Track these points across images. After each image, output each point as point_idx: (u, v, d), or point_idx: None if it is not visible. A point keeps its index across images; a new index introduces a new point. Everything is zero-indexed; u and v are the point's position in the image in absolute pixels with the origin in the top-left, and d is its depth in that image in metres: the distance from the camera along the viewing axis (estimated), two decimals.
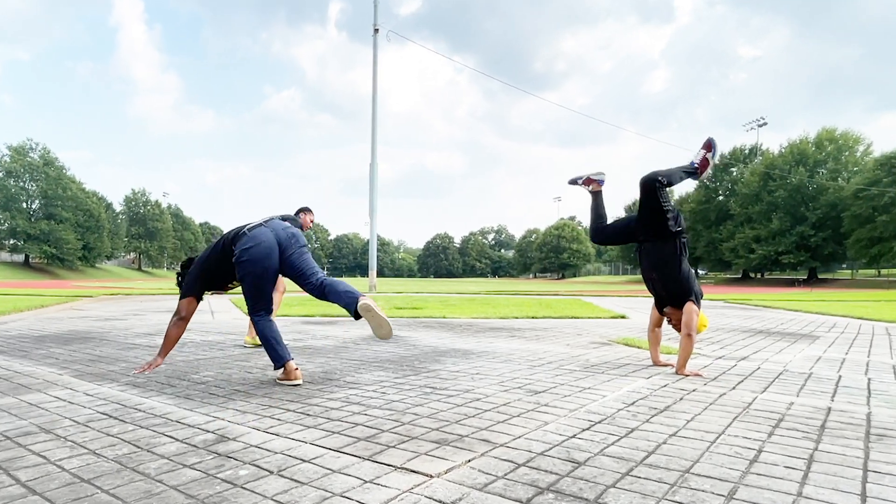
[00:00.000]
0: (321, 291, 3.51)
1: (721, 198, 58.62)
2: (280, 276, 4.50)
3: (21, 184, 60.34)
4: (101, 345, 5.30)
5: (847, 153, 49.26)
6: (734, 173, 57.86)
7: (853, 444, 2.33)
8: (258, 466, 2.02)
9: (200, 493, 1.79)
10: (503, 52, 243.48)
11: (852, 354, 5.09)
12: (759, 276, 58.43)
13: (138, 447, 2.23)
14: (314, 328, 7.00)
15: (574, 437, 2.38)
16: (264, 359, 4.49)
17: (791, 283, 45.45)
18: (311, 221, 5.56)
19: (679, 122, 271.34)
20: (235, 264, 3.52)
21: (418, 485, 1.87)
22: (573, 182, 4.47)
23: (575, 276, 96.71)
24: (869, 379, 3.85)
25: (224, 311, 9.72)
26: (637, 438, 2.36)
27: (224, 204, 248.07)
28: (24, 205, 60.83)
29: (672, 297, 3.94)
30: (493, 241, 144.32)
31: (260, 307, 3.60)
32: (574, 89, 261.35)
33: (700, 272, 71.99)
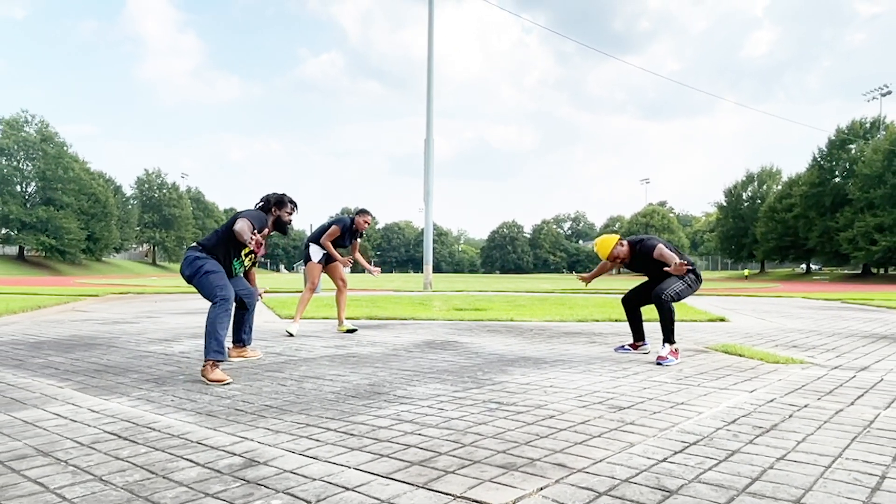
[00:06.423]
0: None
1: (838, 180, 56.89)
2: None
3: (15, 163, 59.51)
4: (109, 352, 5.41)
5: None
6: (853, 151, 56.17)
7: None
8: (293, 496, 2.01)
9: None
10: (578, 7, 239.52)
11: None
12: (882, 271, 56.57)
13: (152, 473, 2.23)
14: (359, 333, 7.04)
15: (665, 460, 2.41)
16: (300, 369, 4.57)
17: None
18: (366, 223, 6.99)
19: (786, 91, 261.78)
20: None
21: None
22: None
23: None
24: None
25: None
26: (739, 462, 2.39)
27: (251, 186, 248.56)
28: (19, 188, 60.34)
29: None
30: (570, 231, 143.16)
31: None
32: (661, 52, 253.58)
33: (813, 267, 70.02)
